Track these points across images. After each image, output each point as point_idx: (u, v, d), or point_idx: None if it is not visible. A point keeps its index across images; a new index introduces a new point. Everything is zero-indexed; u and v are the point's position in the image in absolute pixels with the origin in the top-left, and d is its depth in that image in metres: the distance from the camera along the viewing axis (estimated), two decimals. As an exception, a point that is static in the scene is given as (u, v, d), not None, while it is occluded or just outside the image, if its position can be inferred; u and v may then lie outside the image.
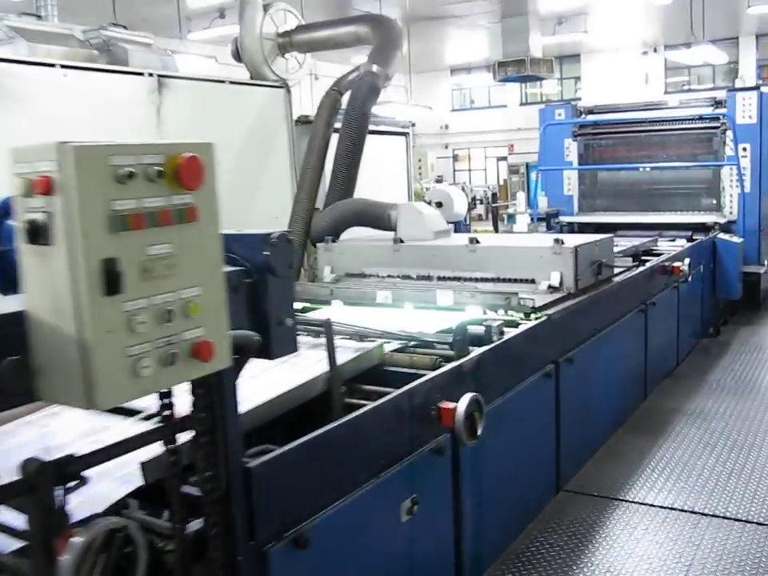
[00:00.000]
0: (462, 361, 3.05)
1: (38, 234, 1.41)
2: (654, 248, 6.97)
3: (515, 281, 4.38)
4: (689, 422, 4.99)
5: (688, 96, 18.57)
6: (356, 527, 2.43)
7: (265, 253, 1.96)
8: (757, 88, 7.96)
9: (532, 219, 8.98)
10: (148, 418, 2.33)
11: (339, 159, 5.35)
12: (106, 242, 1.41)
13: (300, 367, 3.03)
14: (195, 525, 2.03)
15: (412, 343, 3.42)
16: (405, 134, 7.86)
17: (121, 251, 1.43)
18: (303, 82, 16.61)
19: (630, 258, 5.51)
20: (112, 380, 1.43)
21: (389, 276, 4.77)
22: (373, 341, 3.37)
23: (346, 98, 5.58)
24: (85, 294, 1.39)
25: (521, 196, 13.00)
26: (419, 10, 17.29)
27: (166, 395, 1.97)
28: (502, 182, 26.69)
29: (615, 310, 4.76)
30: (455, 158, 29.73)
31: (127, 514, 2.20)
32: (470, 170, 29.21)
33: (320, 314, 4.28)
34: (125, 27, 5.59)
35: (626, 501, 3.89)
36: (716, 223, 7.76)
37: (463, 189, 15.35)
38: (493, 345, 3.30)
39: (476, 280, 4.48)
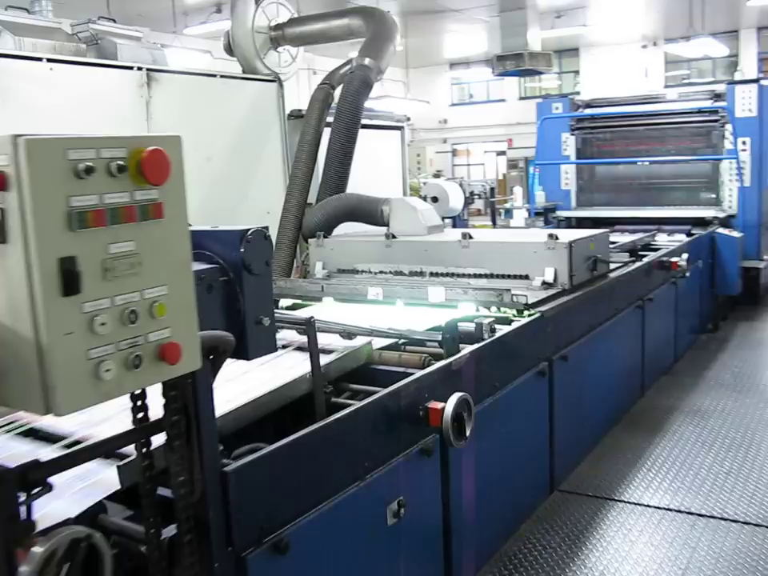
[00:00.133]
0: (450, 359, 2.98)
1: (-8, 231, 1.35)
2: (653, 243, 6.89)
3: (509, 277, 4.31)
4: (686, 419, 4.92)
5: (687, 89, 18.49)
6: (340, 531, 2.37)
7: (240, 250, 1.88)
8: (756, 81, 7.86)
9: (529, 214, 8.90)
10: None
11: (331, 154, 5.27)
12: (64, 239, 1.34)
13: (286, 365, 2.97)
14: (171, 530, 1.97)
15: (402, 341, 3.36)
16: (399, 129, 7.76)
17: (80, 249, 1.36)
18: (301, 77, 16.58)
19: (627, 254, 5.43)
20: (71, 384, 1.37)
21: (381, 272, 4.71)
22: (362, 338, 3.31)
23: (338, 92, 5.50)
24: (41, 294, 1.32)
25: (518, 191, 12.91)
26: (416, 3, 17.20)
27: (139, 397, 1.92)
28: (500, 177, 26.59)
29: (611, 306, 4.69)
30: (454, 152, 29.63)
31: (103, 519, 2.15)
32: (468, 165, 29.12)
33: (310, 311, 4.22)
34: (114, 21, 5.51)
35: (621, 501, 3.83)
36: (715, 218, 7.68)
37: (461, 184, 15.30)
38: (484, 342, 3.23)
39: (469, 276, 4.41)
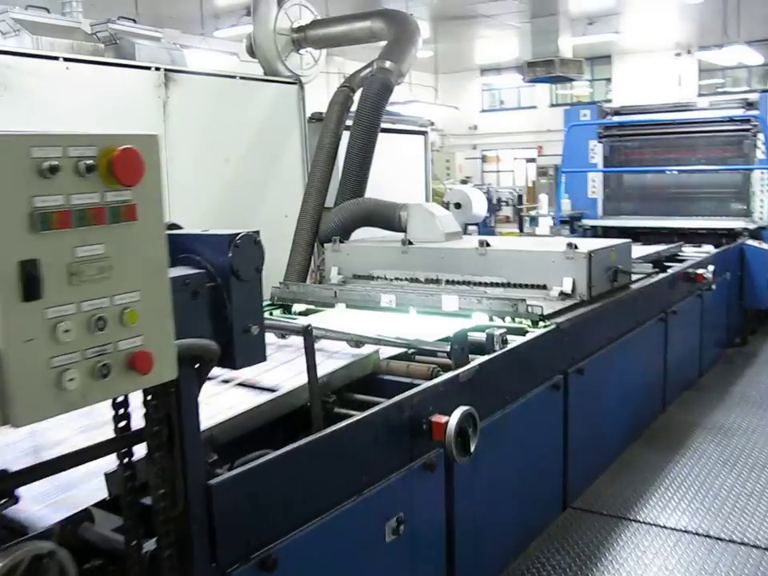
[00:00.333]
0: (458, 371, 2.88)
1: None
2: (679, 254, 6.72)
3: (526, 286, 4.20)
4: (708, 437, 4.77)
5: (718, 97, 18.18)
6: (333, 547, 2.28)
7: (229, 255, 1.81)
8: (790, 89, 7.67)
9: (554, 222, 8.76)
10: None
11: (350, 158, 5.20)
12: (25, 242, 1.27)
13: (291, 373, 2.90)
14: (154, 543, 1.90)
15: (411, 350, 3.27)
16: (423, 133, 7.67)
17: (43, 252, 1.29)
18: (331, 81, 16.54)
19: (650, 264, 5.28)
20: (31, 394, 1.29)
21: (396, 278, 4.62)
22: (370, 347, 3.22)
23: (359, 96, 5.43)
24: None
25: (543, 198, 12.74)
26: (448, 9, 17.11)
27: (121, 405, 1.85)
28: (530, 184, 26.38)
29: (632, 318, 4.55)
30: (484, 159, 29.48)
31: (86, 530, 2.09)
32: (498, 172, 28.95)
33: (321, 316, 4.15)
34: (134, 21, 5.49)
35: (636, 521, 3.70)
36: (745, 229, 7.49)
37: (488, 190, 15.19)
38: (494, 354, 3.13)
39: (485, 285, 4.31)
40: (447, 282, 4.44)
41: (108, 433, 2.10)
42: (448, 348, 3.03)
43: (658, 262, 5.93)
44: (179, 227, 2.05)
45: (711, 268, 5.70)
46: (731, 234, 7.50)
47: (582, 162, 8.61)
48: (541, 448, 3.56)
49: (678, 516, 3.72)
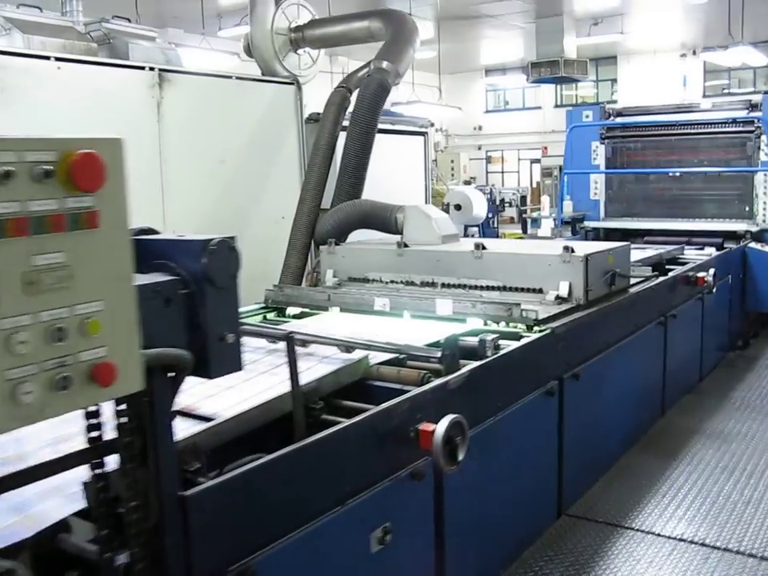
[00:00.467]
0: (448, 378, 2.83)
1: None
2: (680, 256, 6.66)
3: (522, 290, 4.15)
4: (707, 443, 4.70)
5: (721, 99, 18.07)
6: (315, 559, 2.23)
7: (203, 261, 1.76)
8: (794, 90, 7.59)
9: (555, 224, 8.70)
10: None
11: (347, 159, 5.15)
12: (-22, 250, 1.22)
13: (280, 378, 2.85)
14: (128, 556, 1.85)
15: (403, 356, 3.22)
16: (423, 134, 7.62)
17: (-4, 261, 1.24)
18: (335, 81, 16.52)
19: (650, 268, 5.22)
20: (-16, 408, 1.25)
21: (392, 281, 4.57)
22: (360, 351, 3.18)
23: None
24: (-50, 309, 1.20)
25: (545, 200, 12.69)
26: (452, 9, 17.04)
27: (93, 415, 1.81)
28: (535, 185, 26.31)
29: (630, 322, 4.49)
30: (488, 159, 29.42)
31: (63, 540, 2.05)
32: (503, 172, 28.89)
33: (314, 320, 4.10)
34: (129, 20, 5.45)
35: (631, 529, 3.64)
36: (747, 231, 7.41)
37: (491, 191, 15.13)
38: (486, 360, 3.08)
39: (481, 288, 4.26)
40: (443, 285, 4.39)
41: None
42: (439, 354, 2.99)
43: (659, 265, 5.88)
44: (155, 232, 2.00)
45: (712, 271, 5.64)
46: (734, 237, 7.43)
47: (584, 164, 8.55)
48: (535, 455, 3.51)
49: (674, 524, 3.66)
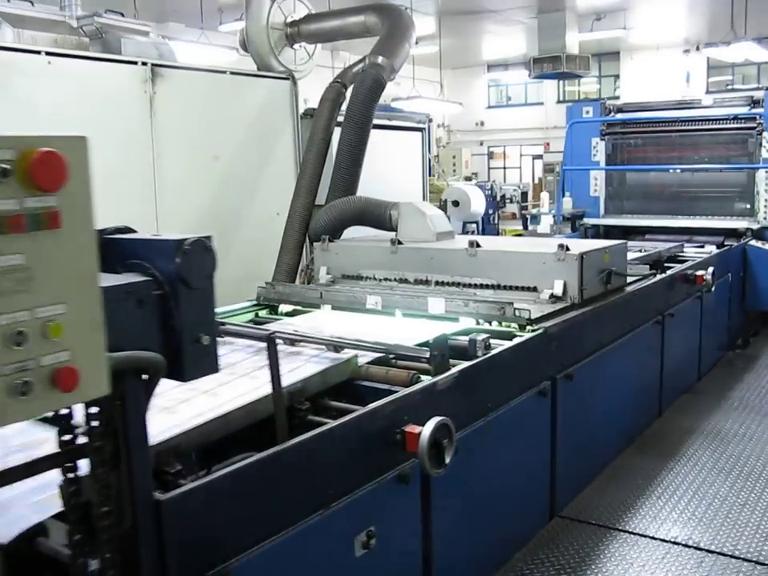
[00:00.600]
0: (436, 379, 2.79)
1: None
2: (680, 254, 6.61)
3: (516, 288, 4.10)
4: (704, 443, 4.65)
5: (723, 95, 17.97)
6: (296, 564, 2.19)
7: (176, 261, 1.71)
8: (796, 86, 7.53)
9: (555, 220, 8.64)
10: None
11: (341, 155, 5.10)
12: (-69, 251, 1.18)
13: (263, 380, 2.81)
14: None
15: (392, 355, 3.17)
16: (420, 130, 7.56)
17: (-49, 262, 1.20)
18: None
19: (647, 266, 5.17)
20: (-62, 414, 1.21)
21: (385, 279, 4.53)
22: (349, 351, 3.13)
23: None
24: None
25: (544, 196, 12.63)
26: (453, 4, 16.95)
27: (64, 418, 1.76)
28: (536, 181, 26.22)
29: (626, 321, 4.44)
30: (490, 155, 29.32)
31: (41, 544, 2.01)
32: (504, 168, 28.80)
33: (306, 318, 4.06)
34: (122, 14, 5.40)
35: (625, 531, 3.59)
36: (748, 229, 7.37)
37: (491, 187, 15.06)
38: (476, 360, 3.03)
39: (475, 286, 4.21)
40: (437, 283, 4.34)
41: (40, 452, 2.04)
42: (428, 354, 2.94)
43: (658, 263, 5.83)
44: (132, 231, 1.96)
45: (711, 269, 5.58)
46: (735, 234, 7.38)
47: (584, 160, 8.49)
48: (527, 456, 3.46)
49: (668, 527, 3.62)
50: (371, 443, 2.46)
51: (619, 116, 8.51)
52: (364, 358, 3.11)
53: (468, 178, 17.44)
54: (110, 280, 1.68)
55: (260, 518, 2.08)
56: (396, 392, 2.70)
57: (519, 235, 12.31)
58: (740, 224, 7.44)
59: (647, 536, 3.53)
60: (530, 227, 11.15)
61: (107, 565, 1.74)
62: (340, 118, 5.29)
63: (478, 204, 8.37)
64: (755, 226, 7.35)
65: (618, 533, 3.58)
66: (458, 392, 2.86)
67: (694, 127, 7.94)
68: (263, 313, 4.36)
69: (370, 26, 5.69)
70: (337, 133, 5.29)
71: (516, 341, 3.37)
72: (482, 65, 27.51)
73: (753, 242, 7.15)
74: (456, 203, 8.28)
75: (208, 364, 1.80)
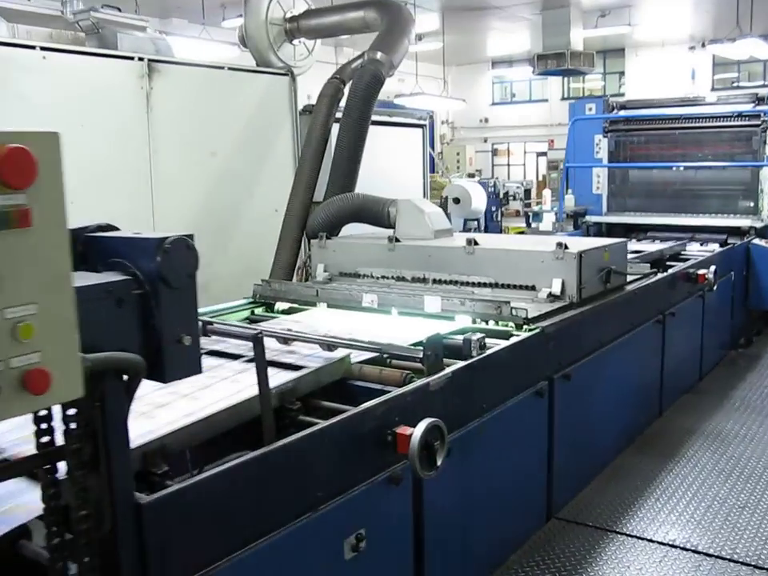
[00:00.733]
0: (429, 379, 2.75)
1: None
2: (683, 252, 6.55)
3: (514, 287, 4.06)
4: (704, 444, 4.61)
5: (728, 92, 17.85)
6: (284, 567, 2.16)
7: (157, 260, 1.68)
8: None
9: (557, 218, 8.59)
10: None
11: (339, 151, 5.06)
12: None
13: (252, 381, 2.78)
14: (83, 566, 1.78)
15: (387, 355, 3.13)
16: (421, 126, 7.51)
17: None
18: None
19: (648, 265, 5.11)
20: None
21: (383, 277, 4.48)
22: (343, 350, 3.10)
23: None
24: None
25: (547, 193, 12.56)
26: (457, 0, 16.87)
27: (43, 419, 1.73)
28: (541, 178, 26.13)
29: (625, 321, 4.39)
30: (495, 152, 29.24)
31: (24, 546, 1.98)
32: (509, 165, 28.71)
33: (301, 316, 4.02)
34: (119, 9, 5.36)
35: (622, 534, 3.55)
36: (752, 227, 7.30)
37: (494, 184, 15.00)
38: (471, 360, 2.99)
39: (473, 285, 4.17)
40: (434, 281, 4.30)
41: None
42: (422, 354, 2.90)
43: (660, 261, 5.78)
44: (115, 228, 1.92)
45: (713, 268, 5.53)
46: (738, 233, 7.31)
47: (587, 157, 8.43)
48: (523, 457, 3.42)
49: (666, 529, 3.57)
50: (361, 444, 2.42)
51: (622, 113, 8.45)
52: (358, 357, 3.07)
53: (471, 175, 17.36)
54: (88, 279, 1.65)
55: (246, 521, 2.04)
56: (389, 392, 2.66)
57: (522, 232, 12.25)
58: (743, 222, 7.37)
59: (645, 538, 3.49)
60: (533, 225, 11.11)
61: (86, 569, 1.71)
62: (339, 114, 5.24)
63: (479, 201, 8.30)
64: (759, 225, 7.29)
65: (616, 535, 3.54)
66: (451, 392, 2.82)
67: (697, 124, 7.87)
68: (259, 310, 4.32)
69: (370, 21, 5.64)
70: (335, 129, 5.24)
71: (512, 340, 3.33)
72: (486, 61, 27.39)
73: (756, 241, 7.09)
74: (457, 200, 8.22)
75: (190, 365, 1.77)
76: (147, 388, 2.01)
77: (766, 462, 4.30)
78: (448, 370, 2.84)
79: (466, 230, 11.68)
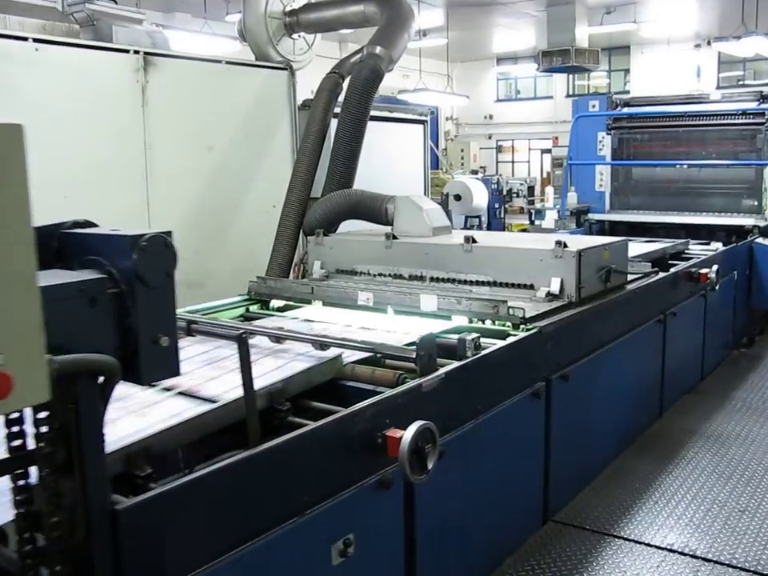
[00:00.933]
0: (421, 380, 2.68)
1: None
2: (685, 251, 6.47)
3: (513, 286, 3.99)
4: (704, 446, 4.54)
5: (732, 90, 17.73)
6: (268, 574, 2.10)
7: (133, 258, 1.62)
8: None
9: (559, 215, 8.52)
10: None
11: (338, 147, 4.99)
12: None
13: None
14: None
15: (380, 354, 3.07)
16: (422, 122, 7.43)
17: None
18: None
19: (649, 264, 5.04)
20: None
21: (380, 274, 4.43)
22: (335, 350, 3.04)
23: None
24: None
25: (549, 191, 12.47)
26: (463, -4, 16.79)
27: (15, 422, 1.67)
28: (545, 175, 26.02)
29: (625, 321, 4.33)
30: (499, 149, 29.11)
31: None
32: (513, 162, 28.60)
33: (296, 314, 3.97)
34: (115, 1, 5.30)
35: (620, 537, 3.49)
36: (755, 226, 7.22)
37: (498, 181, 14.92)
38: (465, 361, 2.92)
39: (471, 283, 4.10)
40: (431, 279, 4.24)
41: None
42: (414, 354, 2.84)
43: (662, 260, 5.71)
44: (93, 225, 1.86)
45: (715, 267, 5.46)
46: (741, 232, 7.24)
47: (590, 154, 8.36)
48: (519, 459, 3.36)
49: (664, 533, 3.51)
50: (351, 447, 2.36)
51: (626, 110, 8.37)
52: (351, 356, 3.02)
53: (475, 172, 17.30)
54: (60, 277, 1.59)
55: (229, 526, 1.99)
56: (381, 393, 2.61)
57: (524, 230, 12.19)
58: (747, 221, 7.29)
59: (642, 543, 3.43)
60: (535, 222, 11.04)
61: (58, 577, 1.65)
62: (337, 110, 5.18)
63: (480, 198, 8.22)
64: (762, 224, 7.21)
65: (613, 539, 3.48)
66: (445, 394, 2.76)
67: (701, 122, 7.78)
68: (254, 308, 4.27)
69: (370, 15, 5.58)
70: (334, 124, 5.17)
71: (509, 340, 3.27)
72: (491, 58, 27.26)
73: (759, 240, 7.01)
74: (458, 197, 8.15)
75: (168, 365, 1.71)
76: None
77: (767, 465, 4.23)
78: (441, 370, 2.78)
79: (467, 227, 11.61)
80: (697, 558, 3.29)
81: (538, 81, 27.19)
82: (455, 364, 2.87)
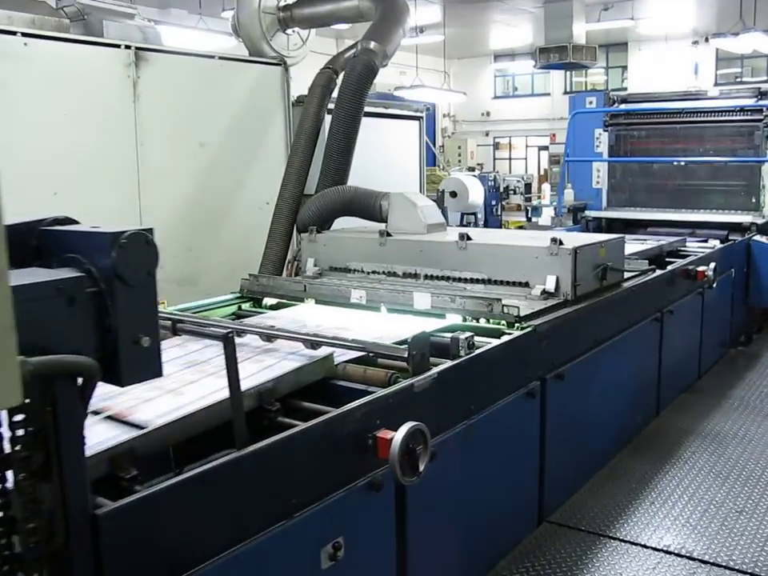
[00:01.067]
0: (413, 380, 2.64)
1: None
2: (682, 249, 6.44)
3: (508, 283, 3.94)
4: (701, 445, 4.50)
5: (730, 86, 17.70)
6: (254, 579, 2.05)
7: (112, 256, 1.57)
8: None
9: (556, 212, 8.47)
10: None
11: (331, 143, 4.93)
12: None
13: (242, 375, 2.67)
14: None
15: (372, 353, 3.02)
16: (418, 119, 7.38)
17: None
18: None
19: (646, 261, 5.00)
20: None
21: (373, 272, 4.38)
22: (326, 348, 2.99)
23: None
24: None
25: (546, 188, 12.44)
26: (460, -8, 16.75)
27: (-9, 425, 1.62)
28: (542, 172, 25.99)
29: (621, 319, 4.28)
30: (496, 146, 29.09)
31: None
32: (510, 159, 28.57)
33: (288, 312, 3.92)
34: (118, -3, 5.25)
35: (616, 539, 3.45)
36: (753, 224, 7.18)
37: (495, 178, 14.88)
38: (458, 360, 2.88)
39: (465, 281, 4.06)
40: (426, 276, 4.19)
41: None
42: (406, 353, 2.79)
43: (659, 258, 5.67)
44: (74, 222, 1.81)
45: (712, 265, 5.42)
46: (739, 229, 7.20)
47: (587, 151, 8.31)
48: (513, 460, 3.31)
49: (660, 534, 3.47)
50: (340, 448, 2.31)
51: (623, 107, 8.32)
52: (343, 355, 2.97)
53: (472, 169, 17.24)
54: (36, 276, 1.54)
55: (214, 530, 1.94)
56: (372, 393, 2.56)
57: (521, 227, 12.14)
58: (745, 218, 7.25)
59: (638, 544, 3.39)
60: (532, 219, 10.99)
61: (35, 586, 1.60)
62: (331, 105, 5.12)
63: (476, 195, 8.17)
64: (760, 221, 7.17)
65: (609, 540, 3.44)
66: (437, 394, 2.71)
67: (698, 119, 7.74)
68: (246, 306, 4.22)
69: (364, 10, 5.52)
70: (328, 120, 5.12)
71: (503, 339, 3.22)
72: (488, 54, 27.24)
73: (757, 237, 6.98)
74: (454, 194, 8.09)
75: (148, 367, 1.66)
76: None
77: (764, 465, 4.20)
78: (434, 370, 2.74)
79: (464, 224, 11.57)
80: (694, 559, 3.25)
81: (535, 78, 27.18)
82: (448, 363, 2.82)
